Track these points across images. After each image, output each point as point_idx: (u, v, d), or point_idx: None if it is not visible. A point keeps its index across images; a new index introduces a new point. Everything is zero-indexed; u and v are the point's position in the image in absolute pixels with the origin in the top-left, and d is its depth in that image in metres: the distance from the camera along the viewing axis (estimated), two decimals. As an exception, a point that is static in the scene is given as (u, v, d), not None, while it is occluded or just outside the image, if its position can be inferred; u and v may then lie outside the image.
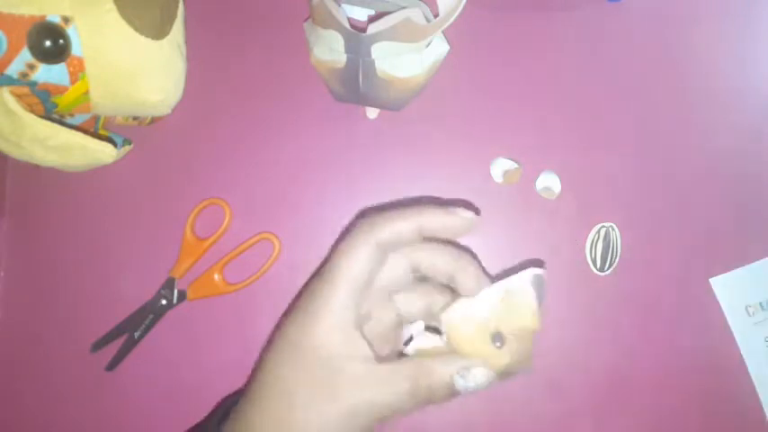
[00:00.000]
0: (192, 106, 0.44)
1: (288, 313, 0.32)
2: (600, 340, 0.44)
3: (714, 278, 0.44)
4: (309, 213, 0.44)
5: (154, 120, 0.44)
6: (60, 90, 0.38)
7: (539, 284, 0.31)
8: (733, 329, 0.43)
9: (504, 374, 0.31)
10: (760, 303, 0.44)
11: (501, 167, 0.44)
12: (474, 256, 0.40)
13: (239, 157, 0.45)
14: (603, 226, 0.44)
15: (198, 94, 0.44)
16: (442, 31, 0.40)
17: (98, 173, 0.42)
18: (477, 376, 0.30)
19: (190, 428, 0.38)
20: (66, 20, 0.36)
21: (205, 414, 0.39)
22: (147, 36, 0.38)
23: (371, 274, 0.32)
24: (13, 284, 0.45)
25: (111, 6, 0.37)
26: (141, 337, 0.44)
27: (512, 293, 0.30)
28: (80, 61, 0.37)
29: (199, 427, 0.37)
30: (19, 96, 0.37)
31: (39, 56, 0.36)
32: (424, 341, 0.31)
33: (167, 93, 0.41)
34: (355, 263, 0.31)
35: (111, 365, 0.44)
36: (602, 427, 0.43)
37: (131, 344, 0.44)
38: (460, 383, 0.30)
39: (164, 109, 0.42)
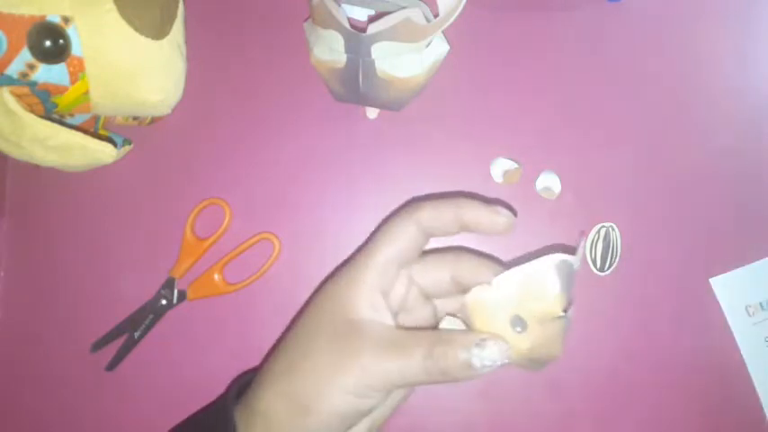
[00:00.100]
0: (192, 106, 0.44)
1: (322, 284, 0.34)
2: (600, 340, 0.44)
3: (714, 278, 0.44)
4: (309, 213, 0.44)
5: (154, 120, 0.44)
6: (60, 90, 0.38)
7: (565, 270, 0.30)
8: (733, 329, 0.43)
9: (530, 362, 0.31)
10: (760, 303, 0.44)
11: (501, 167, 0.44)
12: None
13: (239, 157, 0.45)
14: (603, 226, 0.44)
15: (198, 94, 0.44)
16: (442, 31, 0.40)
17: (98, 173, 0.42)
18: (494, 350, 0.29)
19: (209, 403, 0.38)
20: (66, 20, 0.36)
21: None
22: (147, 36, 0.38)
23: (409, 252, 0.33)
24: (13, 284, 0.45)
25: (111, 6, 0.37)
26: (141, 337, 0.44)
27: (532, 278, 0.30)
28: (80, 61, 0.37)
29: (218, 399, 0.37)
30: (19, 96, 0.37)
31: (39, 56, 0.36)
32: (448, 325, 0.32)
33: (167, 93, 0.41)
34: (395, 237, 0.32)
35: (111, 365, 0.44)
36: (602, 427, 0.43)
37: (131, 344, 0.44)
38: (476, 353, 0.29)
39: (164, 109, 0.42)
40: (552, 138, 0.45)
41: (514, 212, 0.33)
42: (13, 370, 0.44)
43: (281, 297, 0.43)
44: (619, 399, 0.43)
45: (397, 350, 0.30)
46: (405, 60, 0.39)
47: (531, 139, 0.45)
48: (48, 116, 0.39)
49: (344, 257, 0.43)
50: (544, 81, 0.45)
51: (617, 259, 0.44)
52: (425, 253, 0.35)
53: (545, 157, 0.44)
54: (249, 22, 0.46)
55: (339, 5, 0.38)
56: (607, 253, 0.44)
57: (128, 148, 0.44)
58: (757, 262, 0.44)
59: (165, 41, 0.39)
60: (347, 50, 0.38)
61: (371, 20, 0.44)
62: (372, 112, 0.44)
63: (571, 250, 0.30)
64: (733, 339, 0.43)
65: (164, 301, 0.44)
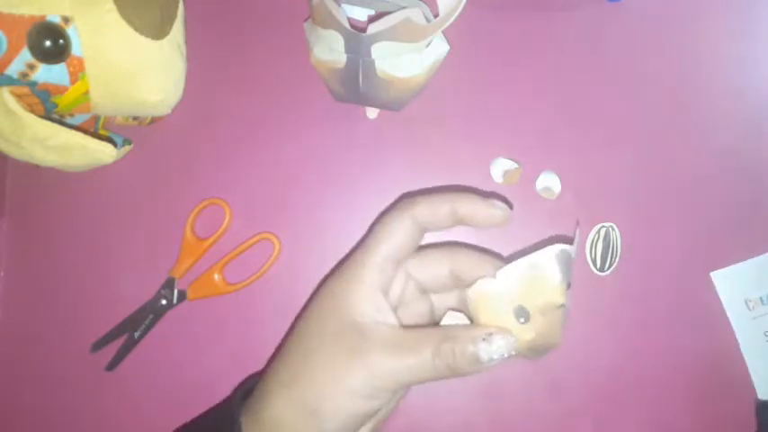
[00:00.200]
0: (192, 106, 0.44)
1: (321, 284, 0.34)
2: (600, 340, 0.44)
3: (714, 272, 0.44)
4: (309, 213, 0.44)
5: (154, 120, 0.44)
6: (60, 90, 0.38)
7: (564, 260, 0.30)
8: (732, 323, 0.43)
9: (532, 351, 0.31)
10: (760, 298, 0.44)
11: (501, 167, 0.44)
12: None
13: (239, 157, 0.45)
14: (603, 226, 0.44)
15: (198, 94, 0.44)
16: (442, 31, 0.40)
17: (98, 173, 0.42)
18: (501, 343, 0.30)
19: (215, 405, 0.38)
20: (66, 20, 0.36)
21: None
22: (147, 36, 0.38)
23: (406, 248, 0.33)
24: (13, 284, 0.45)
25: (111, 6, 0.37)
26: (141, 337, 0.44)
27: (535, 268, 0.30)
28: (80, 61, 0.37)
29: (223, 402, 0.37)
30: (19, 96, 0.37)
31: (39, 56, 0.36)
32: (451, 320, 0.32)
33: (167, 93, 0.41)
34: (391, 233, 0.32)
35: (111, 365, 0.44)
36: (602, 427, 0.43)
37: (131, 344, 0.44)
38: (483, 348, 0.29)
39: (164, 109, 0.42)
40: (552, 138, 0.45)
41: (510, 205, 0.33)
42: (13, 370, 0.44)
43: (281, 297, 0.43)
44: (619, 398, 0.43)
45: (405, 349, 0.30)
46: (405, 60, 0.39)
47: (531, 139, 0.45)
48: (48, 116, 0.39)
49: (344, 257, 0.42)
50: (544, 81, 0.45)
51: (617, 259, 0.44)
52: (421, 248, 0.35)
53: (545, 157, 0.44)
54: (249, 22, 0.46)
55: (339, 5, 0.38)
56: (607, 253, 0.44)
57: (128, 148, 0.44)
58: (758, 257, 0.44)
59: (165, 41, 0.39)
60: (347, 50, 0.38)
61: (371, 20, 0.44)
62: (372, 112, 0.44)
63: (568, 244, 0.31)
64: (732, 333, 0.43)
65: (164, 301, 0.44)
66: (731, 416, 0.43)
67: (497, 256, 0.38)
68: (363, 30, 0.37)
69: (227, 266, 0.44)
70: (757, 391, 0.43)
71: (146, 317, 0.44)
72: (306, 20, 0.43)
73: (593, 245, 0.44)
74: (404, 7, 0.37)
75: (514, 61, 0.45)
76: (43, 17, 0.35)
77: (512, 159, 0.44)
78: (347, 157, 0.45)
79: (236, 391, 0.35)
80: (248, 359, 0.42)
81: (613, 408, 0.43)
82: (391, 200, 0.44)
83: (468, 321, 0.32)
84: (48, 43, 0.35)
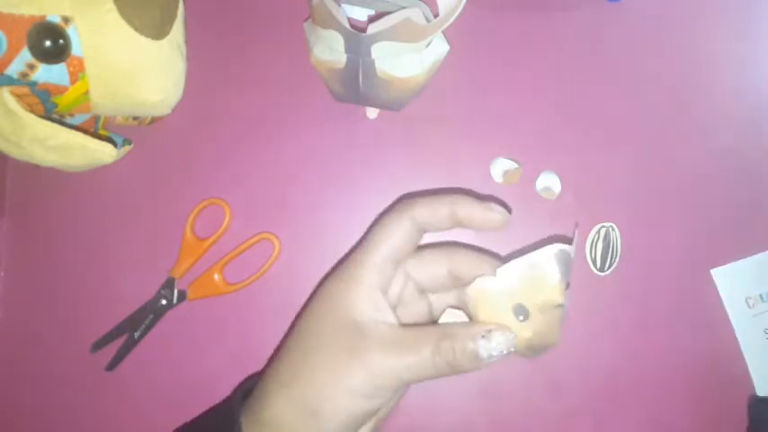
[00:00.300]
0: (192, 106, 0.44)
1: (320, 284, 0.34)
2: (600, 340, 0.44)
3: (715, 269, 0.44)
4: (309, 213, 0.44)
5: (154, 120, 0.44)
6: (60, 90, 0.38)
7: (564, 260, 0.30)
8: (732, 321, 0.43)
9: (530, 349, 0.31)
10: (760, 295, 0.44)
11: (501, 167, 0.44)
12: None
13: (239, 157, 0.45)
14: (603, 226, 0.44)
15: (198, 94, 0.44)
16: (442, 31, 0.40)
17: (98, 173, 0.42)
18: (501, 340, 0.30)
19: (214, 405, 0.38)
20: (66, 20, 0.36)
21: (205, 414, 0.39)
22: (147, 36, 0.38)
23: (405, 248, 0.33)
24: (13, 284, 0.45)
25: (111, 6, 0.37)
26: (141, 337, 0.44)
27: (534, 267, 0.30)
28: (80, 61, 0.37)
29: (223, 402, 0.37)
30: (19, 96, 0.37)
31: (39, 56, 0.36)
32: (449, 317, 0.32)
33: (167, 93, 0.41)
34: (390, 234, 0.32)
35: (111, 365, 0.44)
36: (602, 427, 0.43)
37: (131, 344, 0.44)
38: (483, 345, 0.30)
39: (164, 109, 0.42)
40: (552, 138, 0.45)
41: (509, 209, 0.33)
42: (13, 370, 0.44)
43: (281, 297, 0.43)
44: (619, 398, 0.43)
45: (404, 348, 0.30)
46: (405, 60, 0.39)
47: (531, 139, 0.45)
48: (48, 116, 0.39)
49: (344, 257, 0.43)
50: (544, 81, 0.45)
51: (617, 259, 0.44)
52: (420, 248, 0.35)
53: (545, 157, 0.44)
54: (249, 22, 0.46)
55: (339, 5, 0.38)
56: (607, 253, 0.44)
57: (128, 148, 0.44)
58: (758, 254, 0.44)
59: (165, 41, 0.39)
60: (347, 50, 0.38)
61: (371, 20, 0.44)
62: (372, 112, 0.44)
63: (567, 244, 0.31)
64: (732, 332, 0.43)
65: (164, 301, 0.44)
66: (731, 415, 0.43)
67: (496, 256, 0.38)
68: (363, 30, 0.37)
69: (227, 266, 0.44)
70: (756, 388, 0.43)
71: (146, 317, 0.44)
72: (306, 20, 0.43)
73: (593, 245, 0.44)
74: (404, 7, 0.37)
75: (514, 61, 0.45)
76: (43, 17, 0.35)
77: (512, 159, 0.44)
78: (347, 157, 0.45)
79: (235, 391, 0.35)
80: (248, 359, 0.42)
81: (613, 408, 0.43)
82: (391, 200, 0.44)
83: (466, 319, 0.32)
84: (48, 43, 0.35)
